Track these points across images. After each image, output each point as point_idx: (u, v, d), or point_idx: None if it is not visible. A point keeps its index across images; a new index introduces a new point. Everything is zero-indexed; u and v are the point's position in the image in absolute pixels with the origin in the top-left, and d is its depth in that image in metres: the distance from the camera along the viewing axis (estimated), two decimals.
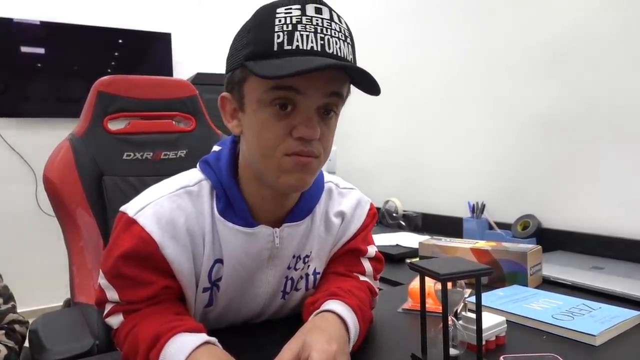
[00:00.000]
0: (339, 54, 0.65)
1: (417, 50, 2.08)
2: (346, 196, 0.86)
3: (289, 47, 0.63)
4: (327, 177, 0.85)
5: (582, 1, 1.48)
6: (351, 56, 0.67)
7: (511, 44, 1.69)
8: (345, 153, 2.48)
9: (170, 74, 3.36)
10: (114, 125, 1.34)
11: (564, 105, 1.54)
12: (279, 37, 0.63)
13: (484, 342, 0.70)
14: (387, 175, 2.27)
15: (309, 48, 0.63)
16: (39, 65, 3.06)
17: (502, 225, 1.67)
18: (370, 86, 0.66)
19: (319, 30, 0.64)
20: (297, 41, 0.63)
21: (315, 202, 0.80)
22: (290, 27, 0.63)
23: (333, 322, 0.69)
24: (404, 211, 2.05)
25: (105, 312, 0.75)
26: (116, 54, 3.29)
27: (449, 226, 1.85)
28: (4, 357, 1.00)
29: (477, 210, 1.72)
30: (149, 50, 3.38)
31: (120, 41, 3.29)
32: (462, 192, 1.86)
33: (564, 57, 1.53)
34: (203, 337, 0.65)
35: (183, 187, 0.74)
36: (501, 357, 0.70)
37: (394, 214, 2.06)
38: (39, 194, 2.98)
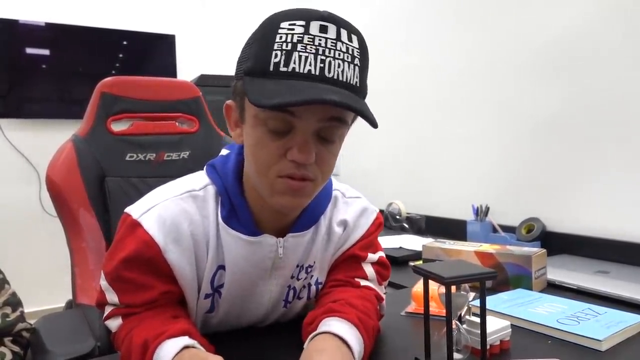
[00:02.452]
0: (340, 78, 0.61)
1: (420, 52, 2.07)
2: (351, 205, 0.83)
3: (285, 69, 0.60)
4: (335, 185, 0.83)
5: (585, 4, 1.47)
6: (356, 79, 0.63)
7: (514, 46, 1.69)
8: (349, 155, 2.47)
9: (174, 75, 3.37)
10: (117, 127, 1.34)
11: (568, 107, 1.53)
12: (276, 56, 0.60)
13: (488, 347, 0.69)
14: (390, 178, 2.26)
15: (305, 71, 0.60)
16: (44, 66, 3.08)
17: (506, 229, 1.66)
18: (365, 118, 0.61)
19: (320, 52, 0.60)
20: (294, 63, 0.60)
21: (321, 212, 0.78)
22: (289, 47, 0.60)
23: (332, 343, 0.66)
24: (408, 213, 2.04)
25: (105, 314, 0.74)
26: (120, 55, 3.30)
27: (452, 229, 1.84)
28: None
29: (481, 213, 1.71)
30: (152, 51, 3.39)
31: (124, 43, 3.30)
32: (465, 194, 1.85)
33: (567, 59, 1.52)
34: (181, 343, 0.63)
35: (189, 190, 0.73)
36: None
37: (398, 217, 2.05)
38: (43, 194, 2.99)
